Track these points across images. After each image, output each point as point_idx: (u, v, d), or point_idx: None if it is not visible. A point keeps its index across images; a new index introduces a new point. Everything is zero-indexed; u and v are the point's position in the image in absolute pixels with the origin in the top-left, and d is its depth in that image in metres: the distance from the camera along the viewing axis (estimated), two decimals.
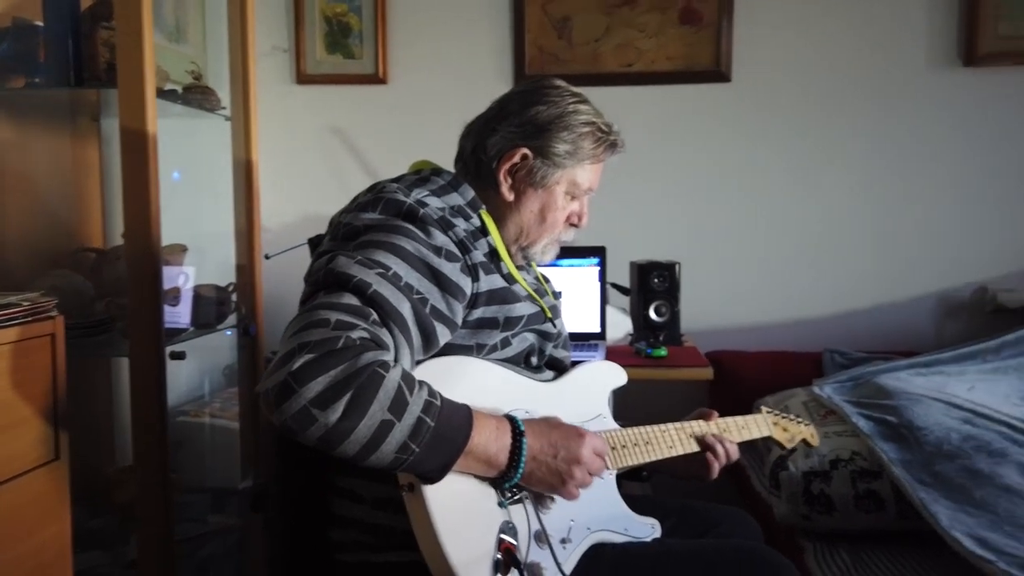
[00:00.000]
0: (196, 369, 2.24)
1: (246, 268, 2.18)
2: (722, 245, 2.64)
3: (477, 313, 1.17)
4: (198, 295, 1.79)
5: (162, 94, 1.60)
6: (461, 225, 1.18)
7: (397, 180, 1.24)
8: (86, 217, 1.91)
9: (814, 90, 2.57)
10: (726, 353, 2.53)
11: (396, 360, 1.02)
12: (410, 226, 1.13)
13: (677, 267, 2.30)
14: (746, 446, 2.34)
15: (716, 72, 2.57)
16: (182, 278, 1.95)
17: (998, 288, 2.51)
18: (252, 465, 2.03)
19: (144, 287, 1.57)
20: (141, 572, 1.62)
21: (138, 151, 1.46)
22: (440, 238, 1.14)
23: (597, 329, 2.28)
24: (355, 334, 0.97)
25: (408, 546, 1.07)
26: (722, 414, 2.53)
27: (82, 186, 1.90)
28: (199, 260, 2.04)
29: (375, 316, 1.02)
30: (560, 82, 1.31)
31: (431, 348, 1.11)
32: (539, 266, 1.40)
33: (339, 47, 2.67)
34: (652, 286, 2.29)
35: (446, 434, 1.00)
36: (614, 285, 2.37)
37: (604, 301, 2.29)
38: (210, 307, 1.81)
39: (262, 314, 2.23)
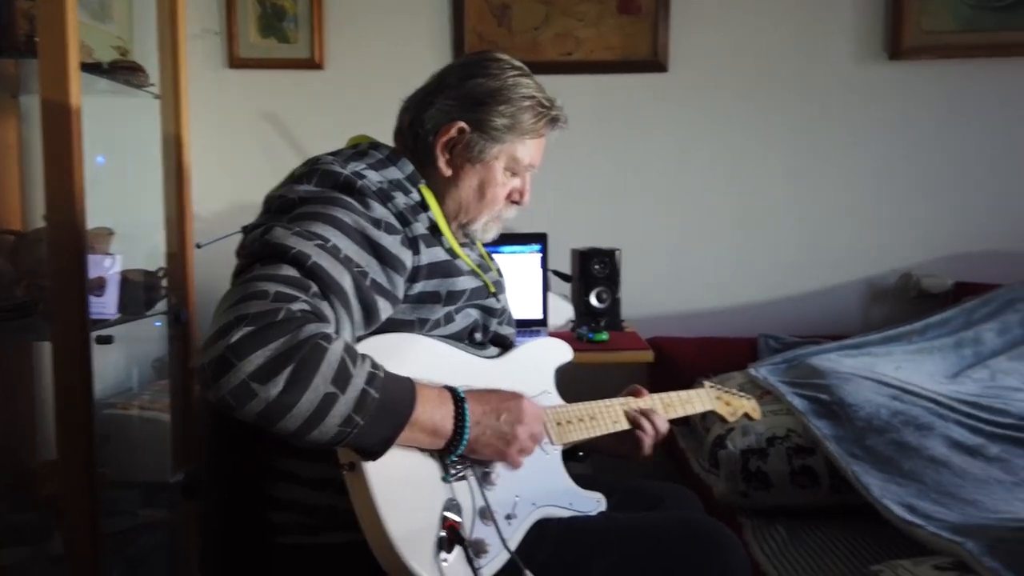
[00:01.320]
0: (124, 360, 2.15)
1: (177, 256, 2.10)
2: (660, 233, 2.67)
3: (418, 287, 1.15)
4: (126, 280, 1.71)
5: (87, 67, 1.52)
6: (400, 199, 1.16)
7: (334, 154, 1.21)
8: (4, 199, 1.81)
9: (748, 81, 2.62)
10: (665, 339, 2.56)
11: (337, 333, 0.99)
12: (347, 198, 1.10)
13: (617, 254, 2.32)
14: (685, 429, 2.40)
15: (654, 62, 2.60)
16: (108, 262, 1.87)
17: (922, 274, 2.61)
18: (184, 458, 1.96)
19: (67, 270, 1.50)
20: (67, 568, 1.55)
21: (60, 126, 1.38)
22: (379, 210, 1.11)
23: (539, 316, 2.28)
24: (296, 306, 0.93)
25: (350, 526, 1.04)
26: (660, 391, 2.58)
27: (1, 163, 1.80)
28: (127, 248, 1.96)
29: (315, 288, 0.98)
30: (502, 55, 1.29)
31: (372, 323, 1.08)
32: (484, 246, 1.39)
33: (273, 30, 2.61)
34: (593, 272, 2.30)
35: (390, 406, 0.98)
36: (555, 272, 2.38)
37: (546, 288, 2.29)
38: (138, 293, 1.74)
39: (194, 304, 2.15)
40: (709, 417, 2.11)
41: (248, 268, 1.01)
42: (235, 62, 2.62)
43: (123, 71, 1.69)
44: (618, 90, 2.63)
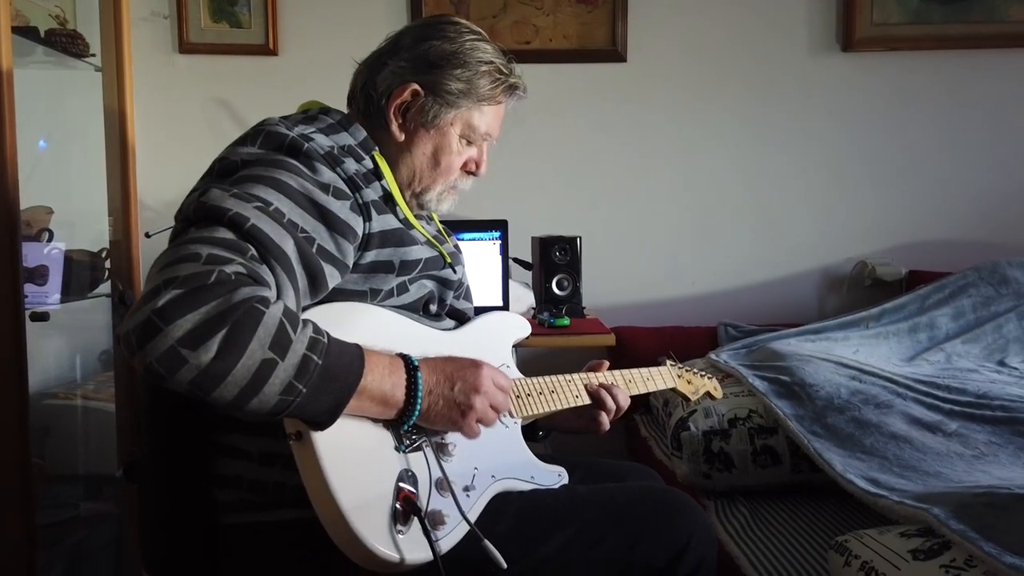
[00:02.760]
0: (67, 349, 2.06)
1: (122, 244, 2.02)
2: (619, 223, 2.66)
3: (370, 256, 1.10)
4: (69, 259, 1.63)
5: (19, 31, 1.44)
6: (351, 164, 1.11)
7: (284, 118, 1.16)
8: None
9: (705, 72, 2.64)
10: (626, 328, 2.55)
11: (278, 299, 0.94)
12: (293, 161, 1.05)
13: (578, 241, 2.30)
14: (647, 417, 2.39)
15: (613, 52, 2.60)
16: (48, 249, 1.78)
17: (876, 262, 2.65)
18: (130, 446, 1.88)
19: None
20: None
21: None
22: (327, 174, 1.06)
23: (500, 303, 2.25)
24: (230, 268, 0.88)
25: (300, 503, 0.98)
26: None
27: None
28: (69, 233, 1.88)
29: (253, 251, 0.93)
30: (460, 19, 1.24)
31: (319, 291, 1.03)
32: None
33: (225, 15, 2.54)
34: (554, 259, 2.28)
35: (336, 372, 0.92)
36: (516, 260, 2.35)
37: (506, 275, 2.26)
38: (83, 273, 1.66)
39: (140, 292, 2.08)
40: (672, 402, 2.11)
41: (183, 232, 0.96)
42: (185, 47, 2.54)
43: (61, 38, 1.61)
44: (577, 79, 2.62)
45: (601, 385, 1.33)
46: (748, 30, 2.62)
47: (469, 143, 1.24)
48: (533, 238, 2.34)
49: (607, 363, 1.40)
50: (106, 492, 1.89)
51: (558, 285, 2.28)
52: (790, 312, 2.66)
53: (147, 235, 2.16)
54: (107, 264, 1.78)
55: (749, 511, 1.71)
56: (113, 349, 2.07)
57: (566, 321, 2.10)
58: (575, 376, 1.33)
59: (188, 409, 1.12)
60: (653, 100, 2.64)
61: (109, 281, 1.82)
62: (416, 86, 1.18)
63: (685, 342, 2.51)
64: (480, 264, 2.23)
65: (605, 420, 1.33)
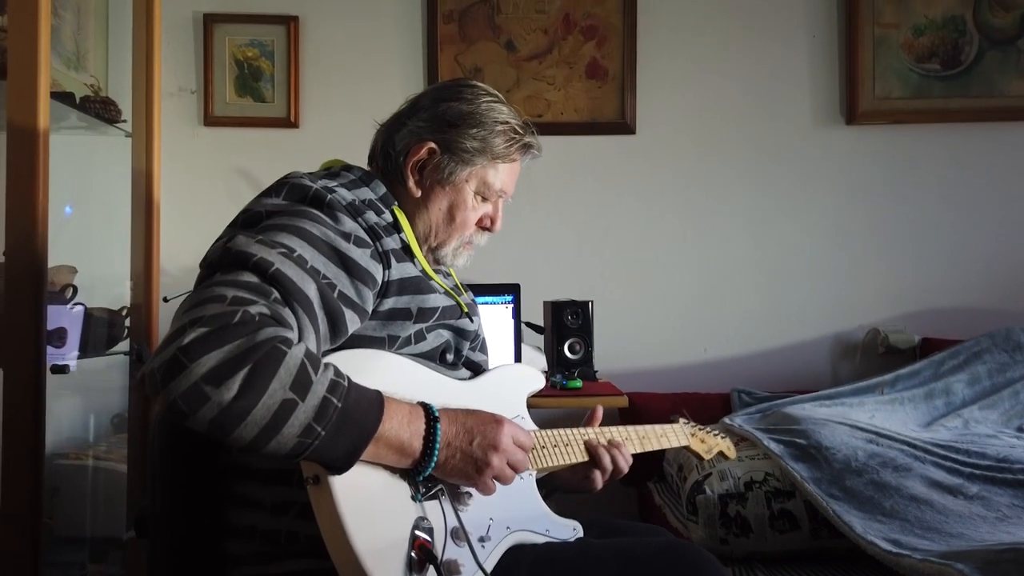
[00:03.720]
0: (81, 411, 2.06)
1: (142, 307, 2.05)
2: (631, 289, 2.69)
3: (389, 303, 1.12)
4: (89, 316, 1.66)
5: (57, 96, 1.51)
6: (372, 216, 1.14)
7: (307, 174, 1.20)
8: None
9: (713, 144, 2.70)
10: (640, 394, 2.54)
11: (299, 341, 0.95)
12: (316, 211, 1.08)
13: (590, 305, 2.31)
14: (661, 485, 2.35)
15: (622, 124, 2.68)
16: (71, 312, 1.82)
17: (888, 330, 2.65)
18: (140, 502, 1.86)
19: (23, 304, 1.41)
20: None
21: (26, 151, 1.34)
22: (349, 224, 1.09)
23: None
24: (253, 309, 0.89)
25: (312, 553, 0.98)
26: (636, 454, 2.54)
27: None
28: (89, 296, 1.91)
29: (276, 295, 0.95)
30: (477, 82, 1.29)
31: (338, 336, 1.04)
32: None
33: (249, 90, 2.65)
34: (566, 323, 2.29)
35: (354, 417, 0.93)
36: (528, 324, 2.37)
37: (519, 338, 2.27)
38: (101, 330, 1.68)
39: None
40: (686, 466, 2.08)
41: (208, 277, 0.98)
42: (210, 120, 2.64)
43: (95, 105, 1.68)
44: (588, 150, 2.70)
45: (606, 443, 1.31)
46: (754, 103, 2.70)
47: (484, 199, 1.27)
48: (545, 302, 2.36)
49: (600, 408, 1.39)
50: (112, 556, 1.86)
51: (570, 349, 2.28)
52: (803, 379, 2.65)
53: (165, 299, 2.22)
54: (127, 323, 1.80)
55: None
56: (128, 411, 2.07)
57: (578, 383, 2.10)
58: (588, 431, 1.33)
59: (202, 458, 1.14)
60: (662, 170, 2.70)
61: (128, 340, 1.84)
62: (433, 144, 1.22)
63: (699, 408, 2.49)
64: (492, 327, 2.24)
65: (598, 479, 1.29)
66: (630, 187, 2.70)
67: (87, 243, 2.01)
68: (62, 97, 1.58)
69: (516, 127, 1.26)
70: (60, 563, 1.69)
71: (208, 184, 2.64)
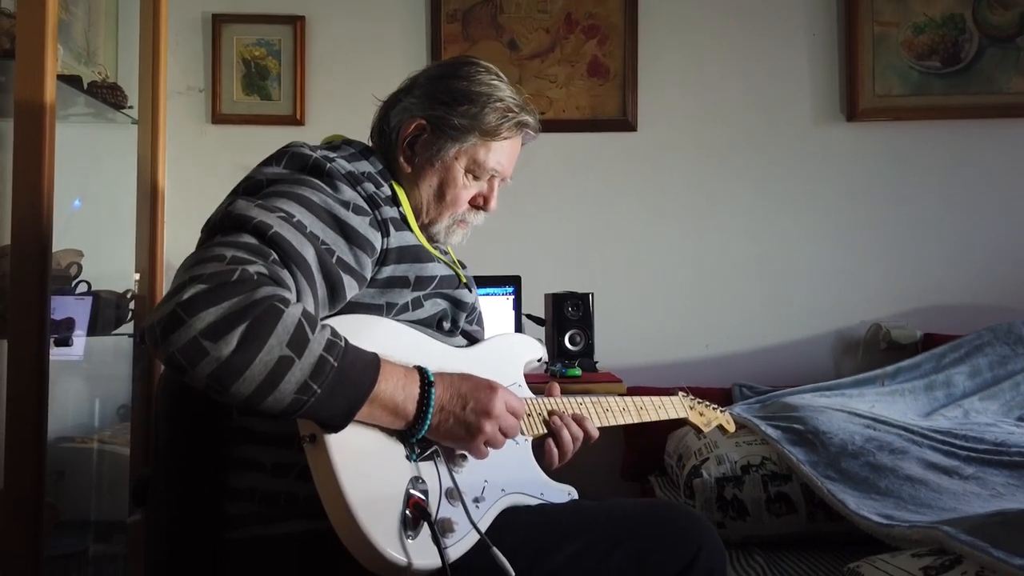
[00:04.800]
0: (87, 397, 2.09)
1: (147, 300, 2.08)
2: (632, 285, 2.70)
3: (387, 271, 1.13)
4: (97, 297, 1.69)
5: (64, 79, 1.54)
6: (371, 187, 1.16)
7: (308, 144, 1.22)
8: None
9: (714, 141, 2.72)
10: (639, 389, 2.54)
11: (298, 301, 0.97)
12: (316, 180, 1.10)
13: (591, 297, 2.33)
14: (663, 479, 2.35)
15: (623, 122, 2.70)
16: (78, 301, 1.84)
17: (891, 325, 2.65)
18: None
19: (28, 281, 1.43)
20: None
21: (33, 128, 1.37)
22: (348, 192, 1.11)
23: None
24: (252, 268, 0.91)
25: (311, 514, 0.99)
26: (638, 447, 2.54)
27: None
28: (96, 283, 1.94)
29: (275, 256, 0.97)
30: (479, 60, 1.28)
31: (337, 302, 1.06)
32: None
33: (256, 88, 2.69)
34: (567, 315, 2.31)
35: (351, 376, 0.95)
36: (528, 316, 2.38)
37: (519, 329, 2.29)
38: (109, 311, 1.71)
39: None
40: (685, 455, 2.09)
41: (208, 239, 1.01)
42: (217, 118, 2.69)
43: (102, 90, 1.72)
44: (590, 147, 2.72)
45: (574, 416, 1.25)
46: (754, 101, 2.72)
47: (476, 178, 1.26)
48: (546, 294, 2.38)
49: (556, 386, 1.34)
50: (116, 539, 1.88)
51: (570, 340, 2.30)
52: (805, 375, 2.64)
53: None
54: (131, 305, 1.83)
55: (765, 561, 1.67)
56: (131, 400, 2.10)
57: (577, 371, 2.12)
58: (585, 399, 1.34)
59: (205, 423, 1.16)
60: (664, 167, 2.72)
61: (132, 322, 1.87)
62: (422, 121, 1.22)
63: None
64: (493, 319, 2.26)
65: (554, 457, 1.22)
66: (631, 184, 2.72)
67: (94, 234, 2.04)
68: (70, 80, 1.62)
69: (512, 105, 1.24)
70: (64, 545, 1.71)
71: (215, 181, 2.63)
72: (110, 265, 2.14)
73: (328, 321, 1.05)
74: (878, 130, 2.72)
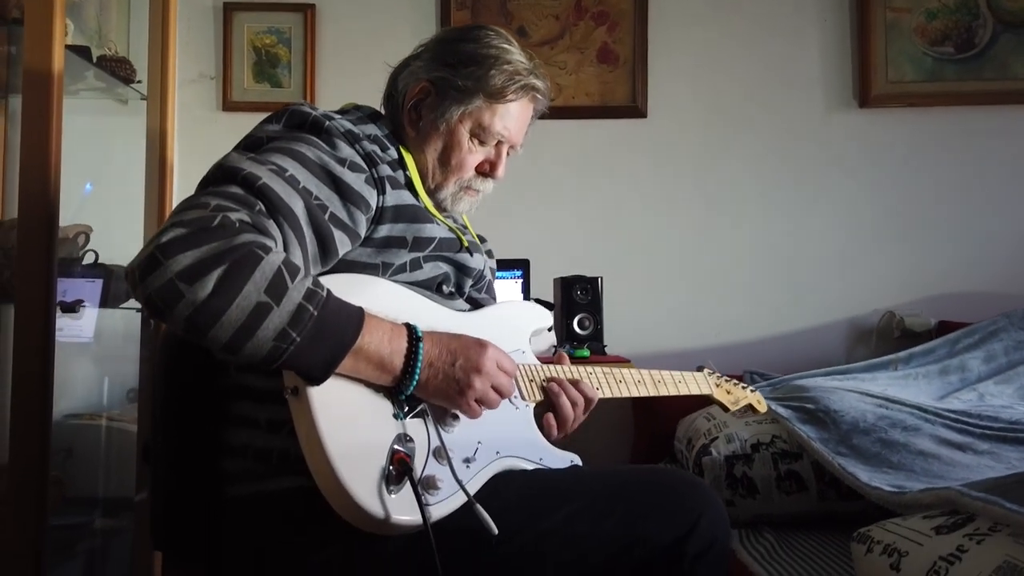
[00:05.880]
0: (96, 378, 2.09)
1: None
2: (641, 272, 2.68)
3: (383, 230, 1.12)
4: (109, 271, 1.70)
5: (72, 48, 1.55)
6: (369, 145, 1.13)
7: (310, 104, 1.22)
8: None
9: (724, 127, 2.70)
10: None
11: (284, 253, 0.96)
12: (313, 137, 1.09)
13: (600, 281, 2.32)
14: (672, 462, 2.33)
15: (633, 108, 2.69)
16: (87, 285, 1.85)
17: (904, 313, 2.61)
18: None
19: (34, 250, 1.42)
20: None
21: (41, 93, 1.37)
22: (346, 150, 1.10)
23: None
24: (234, 216, 0.91)
25: (303, 471, 0.98)
26: (647, 434, 2.52)
27: None
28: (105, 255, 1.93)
29: (261, 207, 0.96)
30: (492, 27, 1.27)
31: (329, 258, 1.05)
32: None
33: (267, 76, 2.71)
34: (575, 299, 2.30)
35: (331, 326, 0.93)
36: (537, 300, 2.36)
37: None
38: (118, 284, 1.72)
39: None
40: (694, 438, 2.06)
41: (198, 192, 1.00)
42: (228, 105, 2.69)
43: (111, 63, 1.73)
44: (599, 134, 2.71)
45: (572, 381, 1.21)
46: (765, 87, 2.71)
47: (482, 143, 1.23)
48: (555, 278, 2.37)
49: (565, 355, 1.32)
50: (123, 516, 1.88)
51: (579, 324, 2.29)
52: (817, 364, 2.59)
53: None
54: None
55: (775, 538, 1.65)
56: (139, 381, 2.10)
57: (586, 352, 2.11)
58: (596, 369, 1.32)
59: (202, 380, 1.16)
60: (674, 154, 2.71)
61: None
62: (427, 83, 1.22)
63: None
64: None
65: (553, 427, 1.18)
66: (641, 170, 2.71)
67: (104, 213, 2.05)
68: (79, 51, 1.63)
69: (520, 69, 1.22)
70: (70, 519, 1.71)
71: None
72: (122, 246, 2.15)
73: (322, 280, 1.03)
74: (891, 116, 2.69)
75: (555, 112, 2.61)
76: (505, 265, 2.29)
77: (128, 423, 1.94)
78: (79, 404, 2.03)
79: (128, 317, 1.94)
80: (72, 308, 1.57)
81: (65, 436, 1.85)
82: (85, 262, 1.70)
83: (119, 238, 2.16)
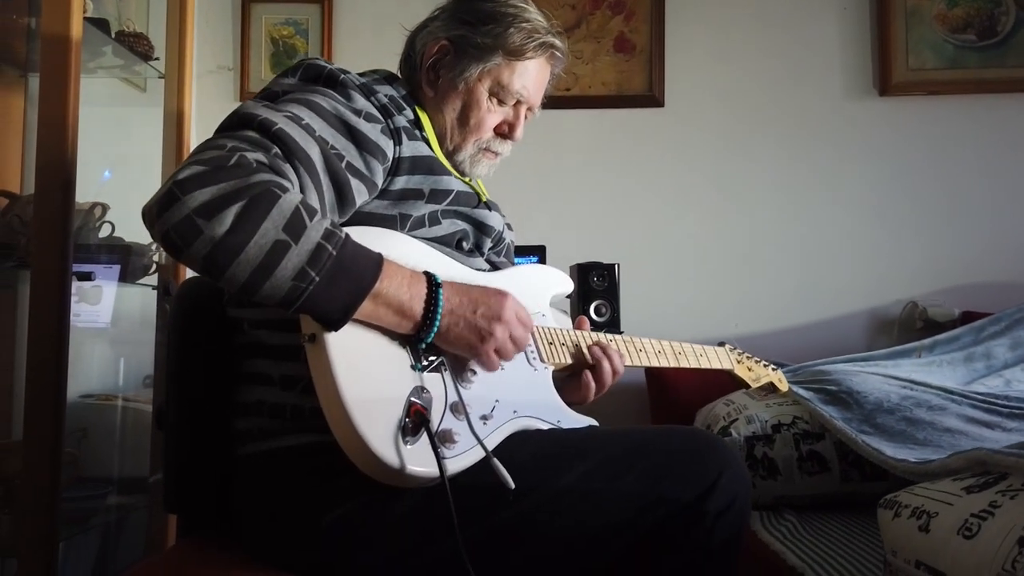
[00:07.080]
0: (112, 361, 2.10)
1: (170, 268, 2.09)
2: (659, 262, 2.66)
3: (400, 182, 1.11)
4: (128, 249, 1.70)
5: (92, 21, 1.56)
6: (384, 98, 1.13)
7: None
8: (4, 165, 1.82)
9: (742, 116, 2.68)
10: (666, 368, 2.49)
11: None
12: (329, 89, 1.09)
13: (617, 267, 2.30)
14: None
15: (650, 97, 2.68)
16: (105, 272, 1.86)
17: (927, 303, 2.57)
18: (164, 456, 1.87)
19: (49, 220, 1.43)
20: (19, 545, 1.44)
21: (59, 62, 1.37)
22: (361, 101, 1.09)
23: None
24: (251, 156, 0.90)
25: (317, 428, 0.97)
26: (664, 423, 2.48)
27: (2, 135, 1.81)
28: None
29: (277, 151, 0.95)
30: None
31: (346, 206, 1.04)
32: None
33: (284, 67, 2.71)
34: (592, 285, 2.28)
35: (350, 267, 0.92)
36: None
37: None
38: (135, 259, 1.72)
39: None
40: (713, 422, 2.03)
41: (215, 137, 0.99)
42: (245, 96, 2.71)
43: (128, 38, 1.74)
44: (616, 123, 2.70)
45: (602, 347, 1.23)
46: (784, 76, 2.68)
47: (500, 103, 1.23)
48: (572, 265, 2.35)
49: (586, 320, 1.33)
50: (138, 497, 1.87)
51: (596, 311, 2.26)
52: (837, 354, 2.53)
53: None
54: (155, 257, 1.84)
55: (797, 519, 1.61)
56: (154, 368, 2.10)
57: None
58: (617, 337, 1.30)
59: (216, 337, 1.15)
60: (692, 143, 2.69)
61: (156, 275, 1.88)
62: (445, 42, 1.21)
63: (727, 380, 2.43)
64: None
65: (591, 390, 1.20)
66: (658, 159, 2.69)
67: (122, 194, 2.06)
68: (97, 23, 1.63)
69: (539, 27, 1.22)
70: (84, 495, 1.70)
71: None
72: (140, 228, 2.16)
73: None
74: (912, 104, 2.66)
75: (571, 102, 2.67)
76: (522, 251, 2.27)
77: (144, 404, 1.93)
78: (95, 386, 2.04)
79: (145, 298, 1.94)
80: (87, 276, 1.56)
81: (80, 416, 1.85)
82: (101, 234, 1.70)
83: (137, 222, 2.17)
